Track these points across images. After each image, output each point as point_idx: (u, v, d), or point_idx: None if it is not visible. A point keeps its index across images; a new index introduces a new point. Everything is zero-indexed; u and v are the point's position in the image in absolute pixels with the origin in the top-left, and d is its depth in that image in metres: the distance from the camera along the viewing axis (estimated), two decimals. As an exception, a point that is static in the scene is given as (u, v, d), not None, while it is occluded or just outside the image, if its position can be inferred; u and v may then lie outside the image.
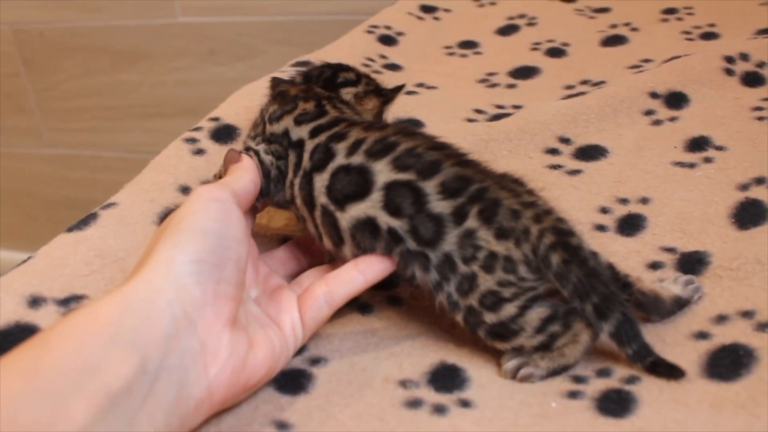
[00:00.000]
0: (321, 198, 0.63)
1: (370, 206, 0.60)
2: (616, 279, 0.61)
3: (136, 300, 0.50)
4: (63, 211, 2.09)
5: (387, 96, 0.76)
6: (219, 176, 0.69)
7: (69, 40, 1.84)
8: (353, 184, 0.61)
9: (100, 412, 0.45)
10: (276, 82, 0.74)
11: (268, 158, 0.66)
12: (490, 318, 0.58)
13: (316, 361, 0.62)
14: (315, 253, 0.69)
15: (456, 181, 0.59)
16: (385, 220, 0.60)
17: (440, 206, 0.59)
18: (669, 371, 0.56)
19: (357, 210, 0.61)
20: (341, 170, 0.62)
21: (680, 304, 0.62)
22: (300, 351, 0.62)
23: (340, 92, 0.74)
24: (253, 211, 0.69)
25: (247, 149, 0.68)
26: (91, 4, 1.78)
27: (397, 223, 0.59)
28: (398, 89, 0.77)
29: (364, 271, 0.62)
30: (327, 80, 0.75)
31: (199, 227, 0.55)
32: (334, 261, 0.66)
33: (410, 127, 0.65)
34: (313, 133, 0.65)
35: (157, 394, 0.48)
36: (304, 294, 0.62)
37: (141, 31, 1.78)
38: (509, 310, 0.57)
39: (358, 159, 0.62)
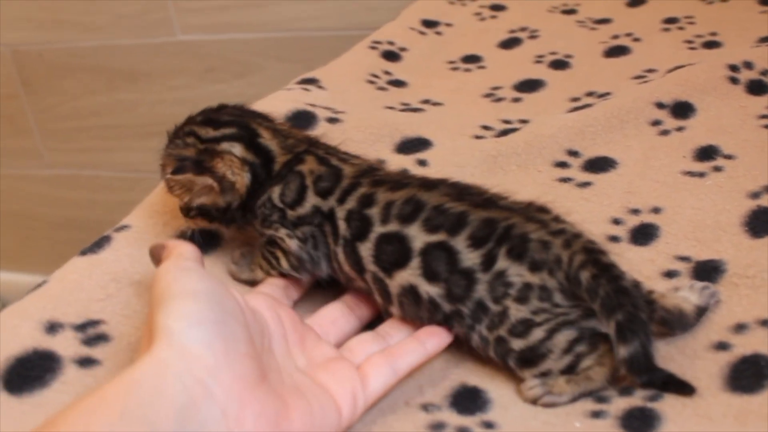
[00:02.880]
0: (370, 266, 0.64)
1: (411, 273, 0.62)
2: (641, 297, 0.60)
3: (142, 377, 0.48)
4: (63, 232, 2.08)
5: None
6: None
7: (68, 60, 1.84)
8: (395, 253, 0.62)
9: None
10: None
11: (294, 243, 0.67)
12: (517, 344, 0.58)
13: (336, 384, 0.61)
14: (365, 306, 0.68)
15: (482, 228, 0.60)
16: (425, 289, 0.61)
17: (470, 259, 0.60)
18: (680, 388, 0.56)
19: (401, 278, 0.62)
20: (382, 239, 0.63)
21: (700, 313, 0.62)
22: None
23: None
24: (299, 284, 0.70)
25: (271, 242, 0.68)
26: (90, 23, 1.78)
27: (435, 291, 0.61)
28: None
29: (424, 342, 0.62)
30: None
31: (188, 289, 0.53)
32: (388, 315, 0.66)
33: (430, 179, 0.67)
34: (341, 200, 0.66)
35: None
36: (366, 363, 0.60)
37: (139, 49, 1.78)
38: (537, 334, 0.58)
39: (393, 226, 0.63)
